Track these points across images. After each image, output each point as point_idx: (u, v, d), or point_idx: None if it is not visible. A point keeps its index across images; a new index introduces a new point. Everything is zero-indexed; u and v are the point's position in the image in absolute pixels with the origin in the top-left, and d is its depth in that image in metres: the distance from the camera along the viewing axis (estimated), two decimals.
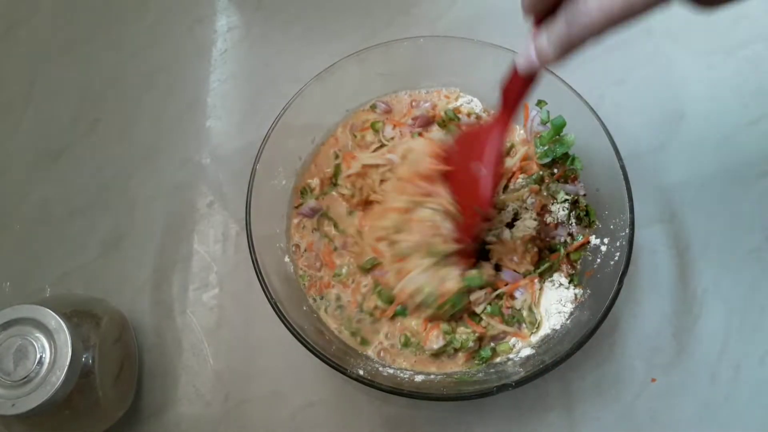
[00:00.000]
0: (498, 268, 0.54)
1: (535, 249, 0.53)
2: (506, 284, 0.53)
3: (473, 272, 0.51)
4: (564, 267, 0.54)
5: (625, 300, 0.55)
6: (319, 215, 0.58)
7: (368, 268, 0.54)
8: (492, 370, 0.51)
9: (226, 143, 0.65)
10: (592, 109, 0.53)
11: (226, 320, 0.57)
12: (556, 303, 0.53)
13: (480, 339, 0.52)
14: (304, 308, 0.53)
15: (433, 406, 0.54)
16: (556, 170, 0.57)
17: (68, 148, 0.65)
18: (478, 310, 0.52)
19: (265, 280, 0.49)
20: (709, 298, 0.57)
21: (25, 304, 0.45)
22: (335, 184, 0.58)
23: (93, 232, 0.61)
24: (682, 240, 0.59)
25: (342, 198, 0.58)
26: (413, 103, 0.61)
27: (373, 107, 0.61)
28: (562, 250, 0.54)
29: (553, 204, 0.55)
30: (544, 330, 0.52)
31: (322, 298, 0.54)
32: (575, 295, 0.52)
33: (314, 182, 0.59)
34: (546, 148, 0.57)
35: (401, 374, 0.51)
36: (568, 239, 0.55)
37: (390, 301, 0.53)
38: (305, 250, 0.57)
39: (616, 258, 0.50)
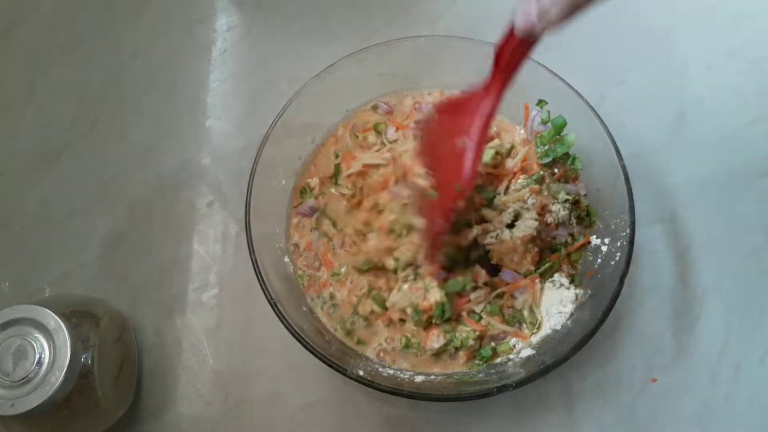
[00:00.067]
0: (498, 268, 0.54)
1: (536, 249, 0.53)
2: (507, 284, 0.53)
3: (457, 279, 0.52)
4: (565, 267, 0.54)
5: (625, 300, 0.55)
6: (319, 215, 0.58)
7: (365, 270, 0.54)
8: (492, 371, 0.51)
9: (226, 143, 0.65)
10: (592, 108, 0.53)
11: (225, 320, 0.57)
12: (556, 303, 0.52)
13: (480, 338, 0.52)
14: (304, 308, 0.53)
15: (433, 407, 0.54)
16: (556, 170, 0.57)
17: (68, 148, 0.65)
18: (478, 309, 0.52)
19: (264, 280, 0.49)
20: (710, 298, 0.57)
21: (25, 304, 0.45)
22: (336, 184, 0.58)
23: (93, 232, 0.61)
24: (682, 240, 0.59)
25: (343, 198, 0.58)
26: (416, 105, 0.61)
27: (375, 108, 0.61)
28: (563, 251, 0.54)
29: (553, 204, 0.54)
30: (545, 330, 0.52)
31: (318, 297, 0.55)
32: (576, 295, 0.52)
33: (314, 182, 0.59)
34: (546, 148, 0.57)
35: (401, 375, 0.51)
36: (569, 239, 0.55)
37: (384, 306, 0.53)
38: (304, 250, 0.57)
39: (617, 258, 0.50)
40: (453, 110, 0.47)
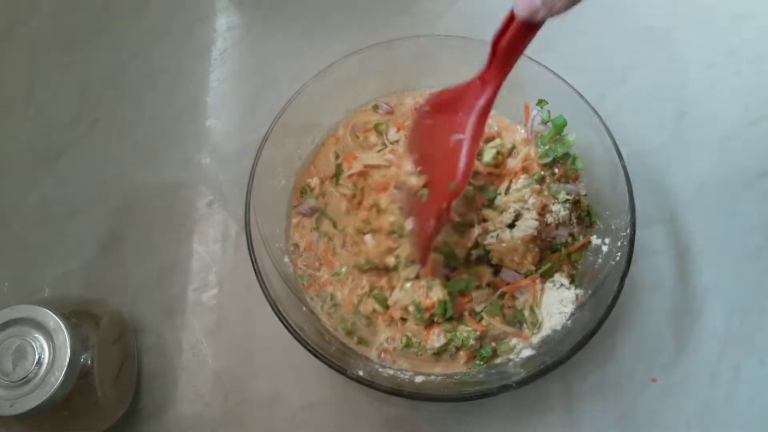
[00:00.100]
0: (499, 268, 0.54)
1: (537, 249, 0.53)
2: (507, 284, 0.53)
3: (461, 277, 0.52)
4: (565, 267, 0.54)
5: (625, 300, 0.55)
6: (319, 215, 0.58)
7: (366, 269, 0.54)
8: (493, 371, 0.51)
9: (226, 143, 0.65)
10: (593, 108, 0.53)
11: (225, 320, 0.57)
12: (557, 303, 0.52)
13: (481, 338, 0.52)
14: (304, 309, 0.53)
15: (433, 407, 0.54)
16: (557, 170, 0.57)
17: (68, 148, 0.65)
18: (479, 308, 0.52)
19: (264, 280, 0.49)
20: (710, 298, 0.57)
21: (24, 305, 0.45)
22: (337, 184, 0.58)
23: (93, 232, 0.61)
24: (682, 240, 0.59)
25: (343, 198, 0.58)
26: (416, 105, 0.61)
27: (375, 108, 0.61)
28: (563, 251, 0.54)
29: (554, 204, 0.54)
30: (545, 330, 0.52)
31: (318, 297, 0.55)
32: (576, 295, 0.52)
33: (314, 182, 0.59)
34: (547, 147, 0.57)
35: (401, 375, 0.51)
36: (569, 239, 0.55)
37: (386, 304, 0.53)
38: (304, 250, 0.57)
39: (617, 258, 0.50)
40: (446, 104, 0.45)
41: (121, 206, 0.62)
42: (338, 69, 0.57)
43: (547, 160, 0.57)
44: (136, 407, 0.54)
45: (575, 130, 0.56)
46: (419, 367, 0.52)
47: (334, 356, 0.47)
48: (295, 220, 0.57)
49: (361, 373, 0.46)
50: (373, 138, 0.60)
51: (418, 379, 0.51)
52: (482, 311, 0.52)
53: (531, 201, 0.54)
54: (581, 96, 0.54)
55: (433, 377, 0.51)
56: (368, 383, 0.46)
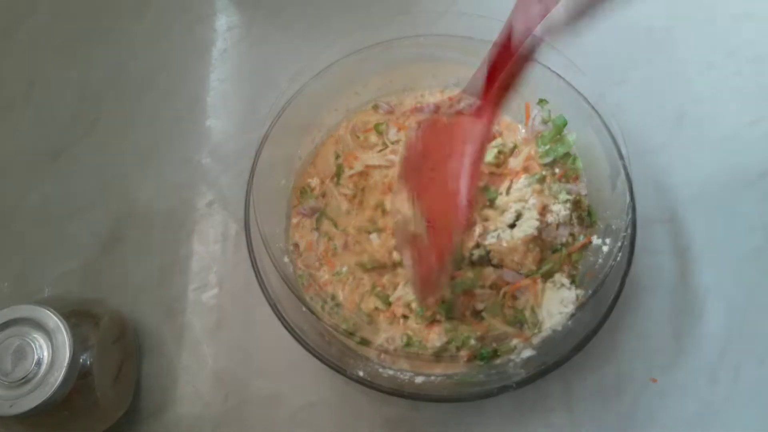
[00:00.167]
0: (500, 268, 0.54)
1: (537, 249, 0.53)
2: (508, 284, 0.53)
3: (467, 276, 0.52)
4: (565, 267, 0.54)
5: (625, 300, 0.54)
6: (319, 215, 0.58)
7: (369, 268, 0.54)
8: (493, 371, 0.51)
9: (226, 143, 0.65)
10: (593, 108, 0.53)
11: (225, 320, 0.57)
12: (557, 304, 0.52)
13: (482, 338, 0.52)
14: (304, 309, 0.53)
15: (433, 407, 0.54)
16: (557, 170, 0.57)
17: (68, 148, 0.65)
18: (479, 307, 0.52)
19: (264, 280, 0.49)
20: (710, 299, 0.57)
21: (24, 304, 0.45)
22: (338, 184, 0.58)
23: (92, 232, 0.61)
24: (682, 240, 0.59)
25: (344, 198, 0.58)
26: (417, 105, 0.61)
27: (376, 108, 0.61)
28: (564, 251, 0.54)
29: (554, 204, 0.54)
30: (546, 331, 0.52)
31: (319, 297, 0.54)
32: (577, 295, 0.52)
33: (314, 182, 0.59)
34: (547, 147, 0.57)
35: (402, 375, 0.51)
36: (570, 239, 0.55)
37: (388, 302, 0.53)
38: (304, 250, 0.56)
39: (618, 258, 0.50)
40: (442, 133, 0.43)
41: (121, 206, 0.62)
42: (338, 69, 0.57)
43: (548, 159, 0.57)
44: (136, 407, 0.54)
45: (575, 129, 0.56)
46: (419, 367, 0.52)
47: (334, 356, 0.47)
48: (295, 220, 0.57)
49: (361, 373, 0.46)
50: (373, 138, 0.60)
51: (419, 379, 0.51)
52: (483, 311, 0.52)
53: (532, 201, 0.54)
54: (582, 95, 0.54)
55: (433, 378, 0.51)
56: (368, 384, 0.46)
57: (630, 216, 0.50)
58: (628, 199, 0.50)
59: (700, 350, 0.55)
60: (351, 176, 0.58)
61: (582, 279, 0.53)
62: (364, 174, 0.57)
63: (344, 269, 0.55)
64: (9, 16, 0.72)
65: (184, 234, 0.61)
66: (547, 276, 0.53)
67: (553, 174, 0.57)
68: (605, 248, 0.52)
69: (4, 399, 0.42)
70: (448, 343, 0.51)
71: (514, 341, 0.52)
